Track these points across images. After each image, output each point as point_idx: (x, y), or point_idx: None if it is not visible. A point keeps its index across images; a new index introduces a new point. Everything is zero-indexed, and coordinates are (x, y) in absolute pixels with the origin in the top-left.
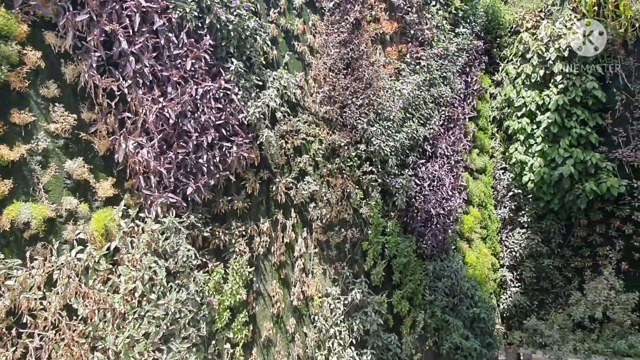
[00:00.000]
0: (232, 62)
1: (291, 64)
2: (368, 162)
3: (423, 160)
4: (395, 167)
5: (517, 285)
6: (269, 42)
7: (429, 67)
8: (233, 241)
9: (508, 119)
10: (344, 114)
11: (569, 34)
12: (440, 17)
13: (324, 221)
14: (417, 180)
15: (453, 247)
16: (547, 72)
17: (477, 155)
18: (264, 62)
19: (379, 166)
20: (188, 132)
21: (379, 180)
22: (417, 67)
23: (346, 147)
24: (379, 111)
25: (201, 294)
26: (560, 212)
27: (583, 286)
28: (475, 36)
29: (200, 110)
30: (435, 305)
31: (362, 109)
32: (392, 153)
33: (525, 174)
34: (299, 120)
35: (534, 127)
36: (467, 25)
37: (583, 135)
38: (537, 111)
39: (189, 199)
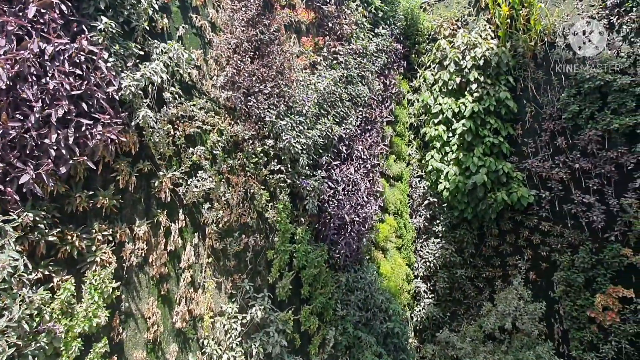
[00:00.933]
0: (102, 20)
1: (187, 39)
2: (276, 160)
3: (338, 162)
4: (307, 168)
5: (430, 296)
6: (156, 7)
7: (347, 63)
8: (94, 248)
9: (425, 125)
10: (250, 103)
11: (484, 43)
12: (359, 14)
13: (220, 225)
14: (330, 183)
15: (367, 257)
16: (463, 80)
17: (393, 161)
18: (147, 28)
19: (289, 165)
20: (28, 102)
21: (288, 181)
22: (334, 62)
23: (251, 141)
24: (291, 104)
25: (37, 319)
26: (474, 221)
27: (494, 296)
28: (394, 39)
29: (50, 74)
30: (347, 320)
31: (272, 100)
32: (304, 151)
33: (441, 182)
34: (193, 105)
35: (450, 134)
36: (386, 26)
37: (496, 144)
38: (454, 119)
39: (26, 190)
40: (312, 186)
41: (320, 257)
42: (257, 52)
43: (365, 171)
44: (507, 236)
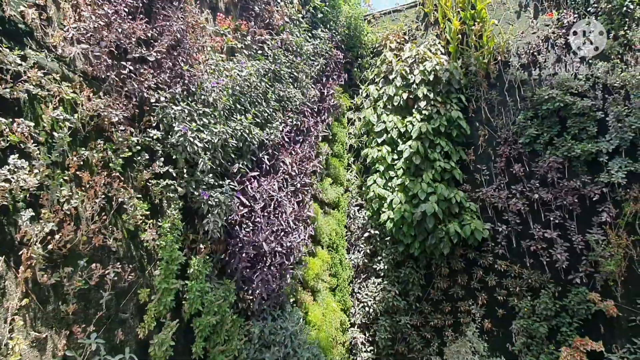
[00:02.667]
0: None
1: None
2: (164, 160)
3: (256, 173)
4: (211, 175)
5: (369, 349)
6: None
7: (276, 58)
8: None
9: (367, 146)
10: (124, 72)
11: (434, 58)
12: (295, 8)
13: (53, 247)
14: (244, 200)
15: (292, 300)
16: (411, 96)
17: (329, 185)
18: None
19: (184, 169)
20: None
21: (181, 190)
22: (259, 52)
23: (123, 128)
24: (193, 88)
25: None
26: (421, 258)
27: (443, 350)
28: (335, 45)
29: None
30: None
31: (162, 75)
32: (208, 152)
33: (384, 211)
34: (22, 57)
35: (395, 157)
36: (326, 30)
37: (447, 169)
38: (399, 139)
39: None
40: (216, 200)
41: (225, 299)
42: (144, 10)
43: (293, 190)
44: (459, 277)
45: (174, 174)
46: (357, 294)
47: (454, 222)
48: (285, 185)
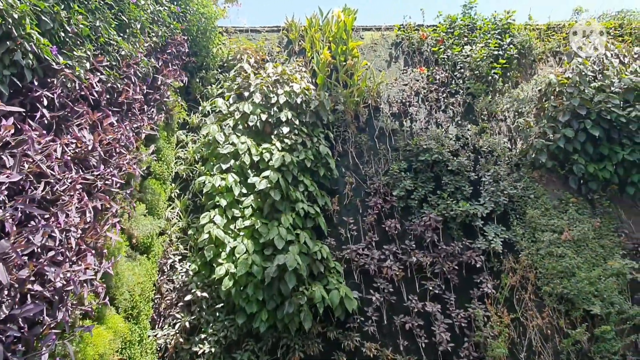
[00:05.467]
0: None
1: None
2: None
3: (15, 110)
4: None
5: None
6: None
7: None
8: None
9: (205, 173)
10: None
11: (302, 82)
12: None
13: None
14: None
15: None
16: (271, 120)
17: (143, 215)
18: None
19: None
20: None
21: None
22: None
23: None
24: None
25: None
26: (266, 337)
27: None
28: (180, 34)
29: None
30: None
31: None
32: None
33: (221, 263)
34: None
35: (245, 191)
36: (168, 7)
37: (311, 215)
38: (251, 170)
39: None
40: None
41: None
42: None
43: (88, 184)
44: None
45: None
46: None
47: (317, 284)
48: (75, 170)
